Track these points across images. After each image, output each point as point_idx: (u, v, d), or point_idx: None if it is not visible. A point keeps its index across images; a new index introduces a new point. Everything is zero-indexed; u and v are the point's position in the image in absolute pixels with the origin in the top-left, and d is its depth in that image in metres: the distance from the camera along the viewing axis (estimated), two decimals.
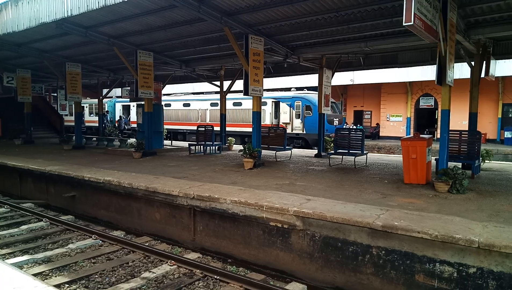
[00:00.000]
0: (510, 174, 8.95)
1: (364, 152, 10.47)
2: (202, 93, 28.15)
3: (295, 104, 21.48)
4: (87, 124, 29.73)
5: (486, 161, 9.39)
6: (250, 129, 11.94)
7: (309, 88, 23.67)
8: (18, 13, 9.95)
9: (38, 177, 10.19)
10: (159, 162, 11.23)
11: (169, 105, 27.37)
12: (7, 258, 5.81)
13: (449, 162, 7.38)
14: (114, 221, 8.26)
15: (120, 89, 23.39)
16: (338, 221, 5.10)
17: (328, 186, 7.32)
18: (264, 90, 25.71)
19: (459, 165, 7.91)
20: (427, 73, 21.42)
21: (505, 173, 9.11)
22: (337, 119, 21.95)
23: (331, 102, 22.69)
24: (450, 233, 4.33)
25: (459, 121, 21.20)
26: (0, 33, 10.61)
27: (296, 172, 9.22)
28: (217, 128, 17.81)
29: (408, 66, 15.07)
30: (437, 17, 6.35)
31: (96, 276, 5.28)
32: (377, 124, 28.26)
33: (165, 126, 25.63)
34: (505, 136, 22.45)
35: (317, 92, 22.19)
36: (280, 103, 22.02)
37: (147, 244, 6.58)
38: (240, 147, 14.17)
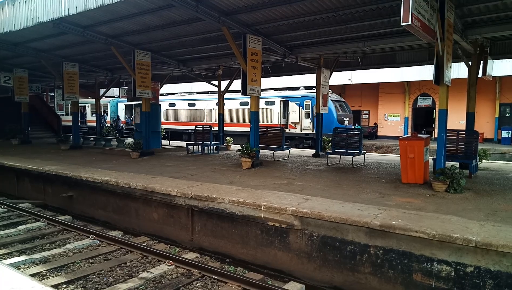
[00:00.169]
0: (507, 174, 8.98)
1: (362, 151, 10.49)
2: (207, 92, 27.78)
3: (305, 103, 20.84)
4: (89, 124, 29.50)
5: (483, 160, 9.43)
6: None
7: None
8: (15, 12, 9.91)
9: (36, 177, 10.15)
10: (156, 162, 11.21)
11: (173, 104, 26.99)
12: (4, 259, 5.77)
13: (446, 162, 7.39)
14: (112, 221, 8.24)
15: (117, 88, 23.34)
16: (336, 221, 5.11)
17: (326, 186, 7.33)
18: (272, 89, 25.22)
19: (457, 164, 7.95)
20: (424, 73, 21.50)
21: (502, 173, 9.14)
22: (348, 119, 21.56)
23: (342, 101, 22.49)
24: (447, 233, 4.35)
25: (456, 120, 21.28)
26: None
27: (294, 171, 9.23)
28: (226, 128, 17.67)
29: (406, 66, 15.10)
30: (434, 17, 6.36)
31: (94, 276, 5.26)
32: (375, 123, 28.32)
33: (170, 126, 25.59)
34: (502, 136, 22.56)
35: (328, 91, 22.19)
36: (289, 102, 21.50)
37: (145, 244, 6.57)
38: (238, 146, 14.17)
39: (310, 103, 20.81)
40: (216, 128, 16.14)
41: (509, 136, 22.15)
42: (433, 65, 7.14)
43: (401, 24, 5.48)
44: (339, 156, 11.09)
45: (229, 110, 22.72)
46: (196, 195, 6.59)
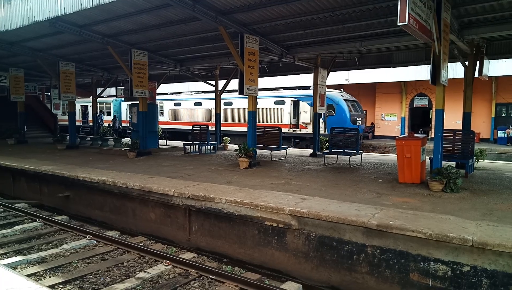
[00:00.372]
0: (503, 173, 9.03)
1: (359, 151, 10.51)
2: (213, 92, 27.22)
3: None
4: (91, 123, 29.29)
5: (479, 160, 9.47)
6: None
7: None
8: (11, 11, 9.84)
9: (32, 177, 10.10)
10: (154, 161, 11.18)
11: (179, 104, 26.48)
12: (1, 259, 5.75)
13: (443, 161, 7.42)
14: (109, 221, 8.22)
15: (114, 88, 23.25)
16: (333, 221, 5.11)
17: (323, 186, 7.34)
18: (282, 88, 24.38)
19: (453, 164, 7.96)
20: (421, 72, 21.53)
21: (498, 172, 9.19)
22: (360, 119, 21.19)
23: (354, 101, 21.98)
24: (444, 232, 4.36)
25: (453, 120, 21.34)
26: None
27: (292, 171, 9.24)
28: (232, 128, 17.04)
29: (402, 66, 15.13)
30: (431, 17, 6.38)
31: (91, 276, 5.25)
32: (372, 123, 28.38)
33: (175, 126, 25.22)
34: (498, 136, 22.65)
35: (339, 90, 21.77)
36: (300, 102, 20.92)
37: (142, 244, 6.56)
38: (235, 146, 14.15)
39: None
40: (225, 128, 15.66)
41: (505, 136, 22.26)
42: (429, 65, 7.15)
43: (398, 24, 5.50)
44: (336, 156, 11.11)
45: (237, 110, 22.42)
46: (193, 195, 6.57)
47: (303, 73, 16.00)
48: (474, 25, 8.88)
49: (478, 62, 9.86)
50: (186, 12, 9.12)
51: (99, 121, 24.94)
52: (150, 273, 5.20)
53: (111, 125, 27.04)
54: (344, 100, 20.83)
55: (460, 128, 9.92)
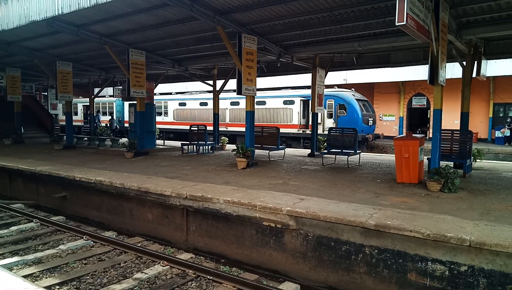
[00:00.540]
0: (500, 173, 9.05)
1: (357, 151, 10.51)
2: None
3: (327, 102, 19.55)
4: None
5: (477, 160, 9.48)
6: None
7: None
8: (8, 11, 9.80)
9: (28, 178, 10.06)
10: (151, 162, 11.15)
11: (184, 104, 26.09)
12: None
13: (441, 161, 7.43)
14: (106, 222, 8.18)
15: (112, 88, 23.19)
16: (331, 221, 5.10)
17: (321, 186, 7.33)
18: (291, 87, 23.93)
19: (451, 164, 7.97)
20: (419, 73, 21.58)
21: (496, 172, 9.20)
22: (372, 119, 20.82)
23: (365, 100, 21.49)
24: (442, 232, 4.36)
25: (451, 120, 21.40)
26: None
27: (290, 171, 9.22)
28: (241, 129, 16.24)
29: (400, 66, 15.15)
30: (429, 17, 6.38)
31: (88, 277, 5.22)
32: None
33: (180, 127, 24.93)
34: (496, 136, 22.73)
35: (351, 90, 21.56)
36: (310, 101, 20.95)
37: (139, 244, 6.53)
38: (233, 146, 14.14)
39: (333, 102, 19.77)
40: (230, 128, 15.38)
41: (502, 135, 22.32)
42: (427, 65, 7.16)
43: (396, 24, 5.49)
44: (334, 156, 11.10)
45: (243, 110, 22.22)
46: (191, 195, 6.55)
47: (301, 73, 16.00)
48: (472, 25, 8.89)
49: (476, 62, 9.87)
50: (184, 12, 9.10)
51: (96, 121, 24.85)
52: (147, 273, 5.18)
53: (108, 125, 26.94)
54: (356, 99, 20.28)
55: (458, 128, 9.93)
